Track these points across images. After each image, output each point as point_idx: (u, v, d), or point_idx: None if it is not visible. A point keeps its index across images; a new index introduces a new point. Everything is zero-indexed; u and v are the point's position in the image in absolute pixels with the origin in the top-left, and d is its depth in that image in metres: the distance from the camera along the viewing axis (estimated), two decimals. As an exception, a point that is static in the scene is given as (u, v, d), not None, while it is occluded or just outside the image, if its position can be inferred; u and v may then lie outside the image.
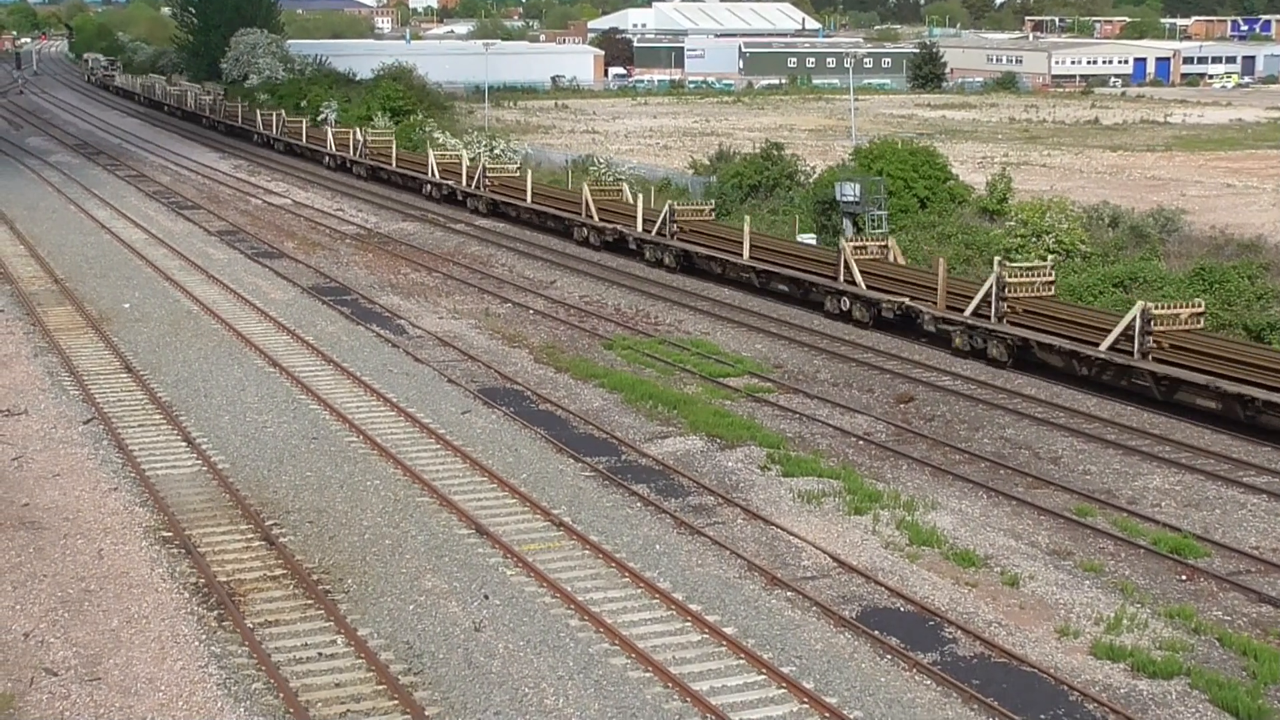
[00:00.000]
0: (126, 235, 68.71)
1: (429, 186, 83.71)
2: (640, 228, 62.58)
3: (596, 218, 66.06)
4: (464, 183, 79.12)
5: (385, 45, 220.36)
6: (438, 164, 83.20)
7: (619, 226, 64.52)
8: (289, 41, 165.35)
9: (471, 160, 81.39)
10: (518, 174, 77.99)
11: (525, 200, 72.73)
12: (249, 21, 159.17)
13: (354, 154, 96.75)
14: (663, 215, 60.74)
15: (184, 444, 35.36)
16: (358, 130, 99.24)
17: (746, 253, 55.63)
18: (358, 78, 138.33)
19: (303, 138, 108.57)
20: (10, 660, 23.42)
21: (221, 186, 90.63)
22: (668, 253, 60.51)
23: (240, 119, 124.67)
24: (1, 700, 21.95)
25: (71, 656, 23.59)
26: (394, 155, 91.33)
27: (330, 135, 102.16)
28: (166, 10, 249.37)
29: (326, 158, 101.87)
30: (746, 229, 56.16)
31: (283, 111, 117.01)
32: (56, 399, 39.67)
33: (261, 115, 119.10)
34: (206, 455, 34.30)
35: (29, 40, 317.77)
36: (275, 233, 71.26)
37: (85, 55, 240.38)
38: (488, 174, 77.29)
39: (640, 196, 66.02)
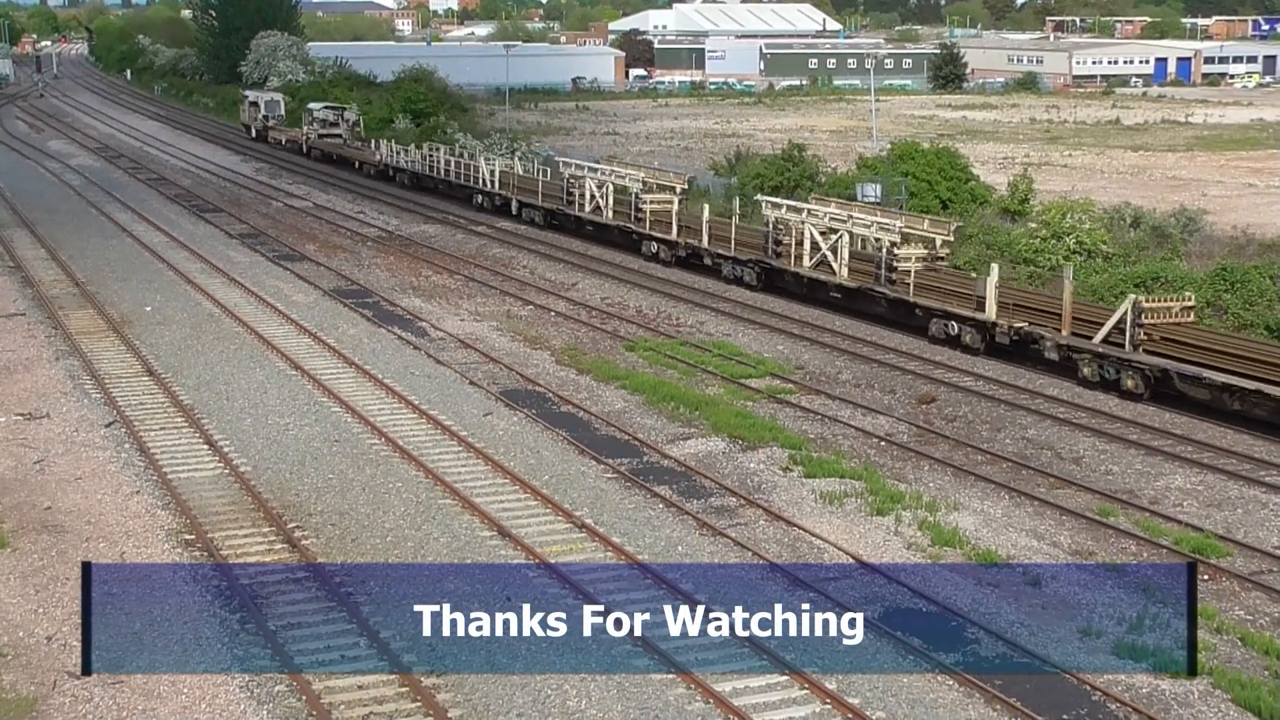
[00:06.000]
0: (147, 238, 68.87)
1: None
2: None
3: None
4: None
5: (406, 47, 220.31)
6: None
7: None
8: (309, 44, 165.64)
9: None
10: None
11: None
12: (269, 24, 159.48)
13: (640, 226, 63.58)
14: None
15: (206, 447, 35.43)
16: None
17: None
18: (378, 80, 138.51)
19: (574, 200, 68.64)
20: (34, 664, 23.51)
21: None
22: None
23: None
24: (25, 703, 22.03)
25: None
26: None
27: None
28: (187, 13, 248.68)
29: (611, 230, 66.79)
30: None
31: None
32: (78, 402, 39.80)
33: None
34: (228, 458, 34.38)
35: (49, 44, 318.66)
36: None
37: (247, 94, 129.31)
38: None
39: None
